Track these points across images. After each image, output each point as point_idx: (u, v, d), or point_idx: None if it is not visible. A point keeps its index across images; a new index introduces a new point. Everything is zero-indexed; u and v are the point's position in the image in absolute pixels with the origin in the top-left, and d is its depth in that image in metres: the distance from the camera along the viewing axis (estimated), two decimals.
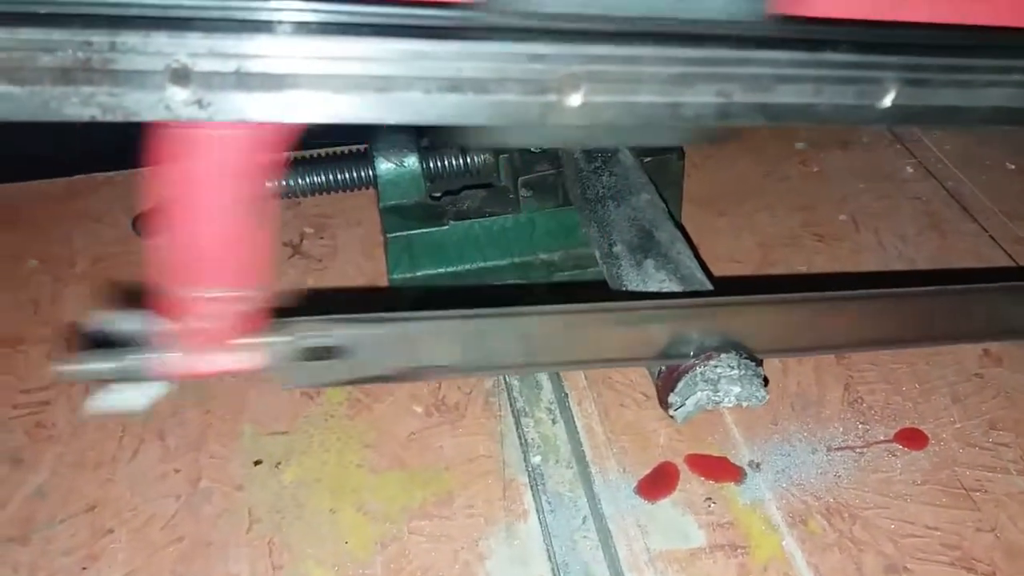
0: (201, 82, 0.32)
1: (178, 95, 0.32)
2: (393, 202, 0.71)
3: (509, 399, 0.65)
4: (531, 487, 0.58)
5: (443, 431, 0.62)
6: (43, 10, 0.30)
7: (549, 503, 0.57)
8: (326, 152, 0.78)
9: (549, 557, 0.54)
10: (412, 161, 0.71)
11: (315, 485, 0.58)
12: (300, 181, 0.75)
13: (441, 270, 0.71)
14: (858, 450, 0.60)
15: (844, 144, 0.93)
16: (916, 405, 0.63)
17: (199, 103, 0.32)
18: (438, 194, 0.74)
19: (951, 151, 0.92)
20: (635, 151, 0.70)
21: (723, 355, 0.53)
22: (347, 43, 0.33)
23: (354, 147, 0.77)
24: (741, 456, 0.60)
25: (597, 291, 0.64)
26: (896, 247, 0.79)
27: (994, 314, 0.61)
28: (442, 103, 0.34)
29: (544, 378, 0.66)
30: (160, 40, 0.31)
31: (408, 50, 0.33)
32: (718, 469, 0.59)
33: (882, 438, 0.61)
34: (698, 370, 0.53)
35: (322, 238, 0.81)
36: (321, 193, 0.77)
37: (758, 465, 0.59)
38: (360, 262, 0.78)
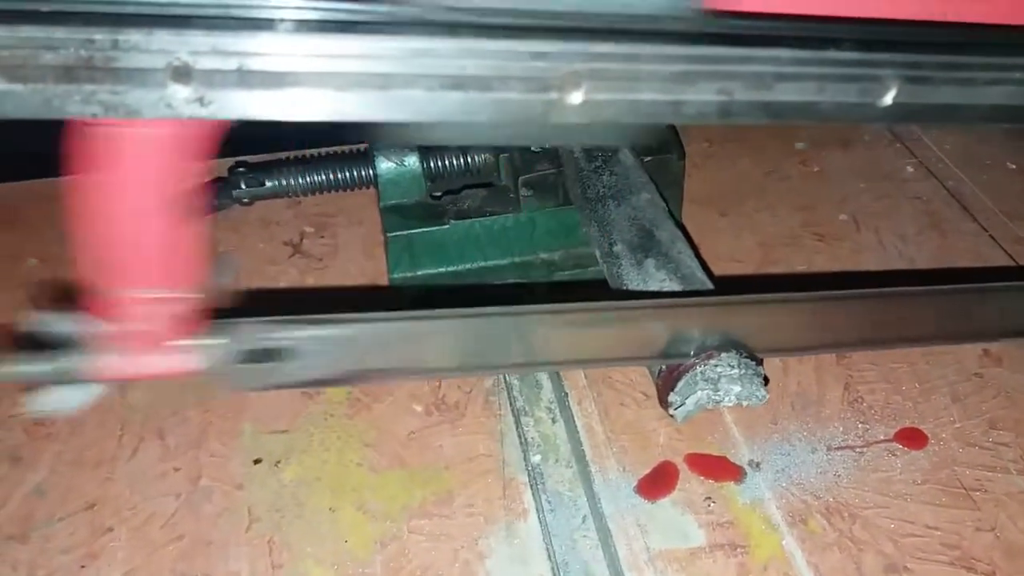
0: (203, 80, 0.32)
1: (180, 93, 0.32)
2: (394, 201, 0.71)
3: (509, 398, 0.65)
4: (531, 486, 0.58)
5: (443, 430, 0.62)
6: (45, 8, 0.30)
7: (549, 502, 0.57)
8: (326, 151, 0.78)
9: (549, 556, 0.54)
10: (412, 160, 0.71)
11: (315, 484, 0.58)
12: (300, 180, 0.76)
13: (442, 269, 0.71)
14: (858, 449, 0.60)
15: (844, 144, 0.93)
16: (916, 405, 0.63)
17: (200, 101, 0.32)
18: (439, 193, 0.74)
19: (951, 151, 0.92)
20: (635, 150, 0.70)
21: (723, 354, 0.54)
22: (348, 40, 0.33)
23: (354, 146, 0.78)
24: (741, 455, 0.60)
25: (597, 290, 0.64)
26: (896, 247, 0.79)
27: (994, 314, 0.61)
28: (444, 101, 0.34)
29: (544, 377, 0.66)
30: (162, 38, 0.31)
31: (410, 48, 0.33)
32: (718, 468, 0.59)
33: (882, 437, 0.61)
34: (698, 369, 0.53)
35: (323, 237, 0.81)
36: (322, 192, 0.77)
37: (758, 464, 0.59)
38: (361, 261, 0.78)
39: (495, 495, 0.58)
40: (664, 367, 0.56)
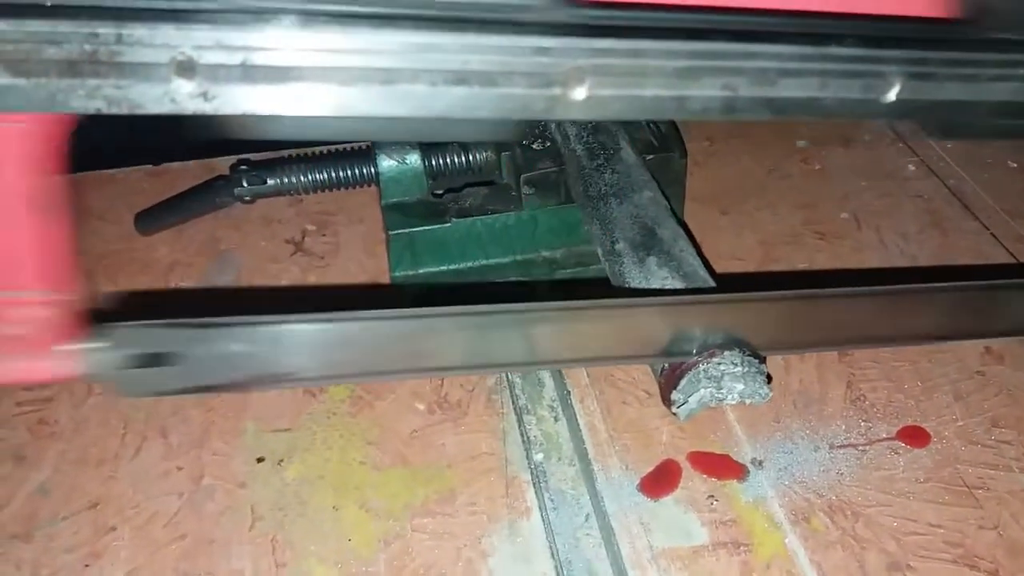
0: (206, 74, 0.32)
1: (183, 88, 0.32)
2: (395, 199, 0.71)
3: (511, 396, 0.65)
4: (534, 484, 0.58)
5: (445, 428, 0.62)
6: (49, 1, 0.30)
7: (552, 500, 0.57)
8: (328, 149, 0.78)
9: (552, 555, 0.54)
10: (414, 158, 0.71)
11: (318, 482, 0.58)
12: (302, 178, 0.76)
13: (443, 267, 0.71)
14: (860, 448, 0.60)
15: (846, 142, 0.93)
16: (918, 403, 0.63)
17: (204, 95, 0.32)
18: (440, 191, 0.74)
19: (953, 149, 0.92)
20: (637, 149, 0.70)
21: (726, 352, 0.53)
22: (353, 35, 0.33)
23: (356, 144, 0.78)
24: (744, 454, 0.60)
25: (599, 288, 0.64)
26: (898, 245, 0.79)
27: (995, 312, 0.61)
28: (448, 96, 0.34)
29: (546, 375, 0.66)
30: (166, 32, 0.31)
31: (414, 42, 0.33)
32: (720, 467, 0.59)
33: (884, 436, 0.61)
34: (701, 367, 0.53)
35: (324, 235, 0.81)
36: (323, 190, 0.77)
37: (761, 463, 0.59)
38: (362, 259, 0.78)
39: (498, 493, 0.58)
40: (667, 365, 0.56)
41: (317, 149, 0.79)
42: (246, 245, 0.79)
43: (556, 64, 0.34)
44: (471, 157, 0.73)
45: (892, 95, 0.38)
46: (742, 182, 0.87)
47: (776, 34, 0.36)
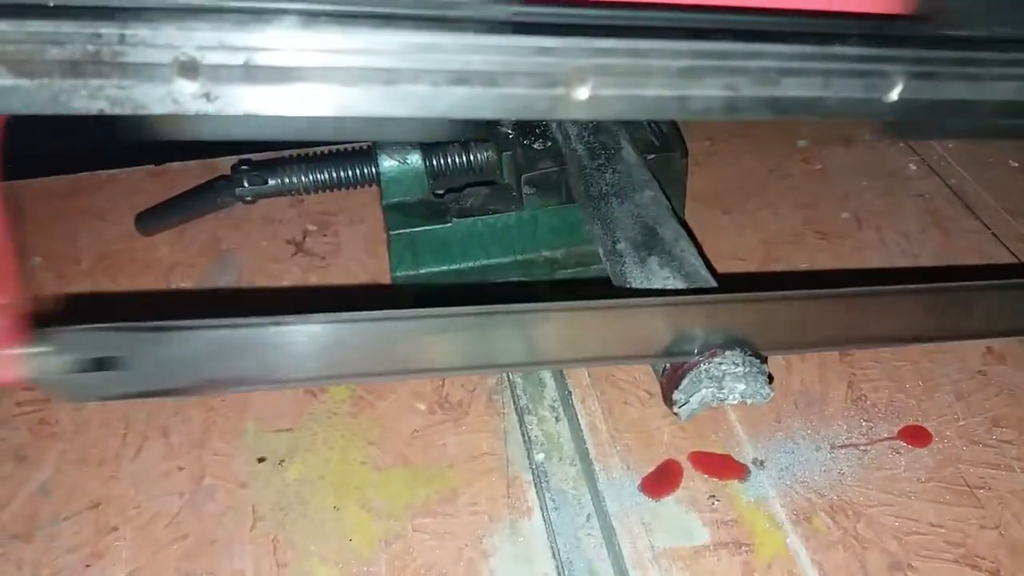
0: (209, 75, 0.32)
1: (186, 88, 0.32)
2: (396, 199, 0.71)
3: (512, 396, 0.65)
4: (535, 484, 0.58)
5: (446, 428, 0.62)
6: (52, 2, 0.30)
7: (553, 500, 0.57)
8: (329, 149, 0.78)
9: (553, 554, 0.54)
10: (415, 158, 0.71)
11: (319, 482, 0.58)
12: (303, 178, 0.76)
13: (444, 268, 0.71)
14: (862, 447, 0.60)
15: (847, 141, 0.93)
16: (920, 403, 0.63)
17: (207, 96, 0.32)
18: (441, 191, 0.74)
19: (954, 149, 0.92)
20: (638, 148, 0.70)
21: (728, 352, 0.53)
22: (355, 35, 0.33)
23: (357, 144, 0.78)
24: (745, 454, 0.60)
25: (600, 288, 0.64)
26: (899, 244, 0.79)
27: (997, 311, 0.61)
28: (450, 96, 0.34)
29: (547, 376, 0.66)
30: (169, 32, 0.31)
31: (416, 43, 0.33)
32: (722, 467, 0.59)
33: (886, 435, 0.61)
34: (702, 367, 0.53)
35: (325, 235, 0.81)
36: (324, 190, 0.77)
37: (762, 463, 0.59)
38: (363, 259, 0.78)
39: (499, 493, 0.58)
40: (668, 365, 0.56)
41: (318, 149, 0.79)
42: (247, 245, 0.79)
43: (559, 64, 0.34)
44: (472, 157, 0.73)
45: (895, 95, 0.38)
46: (743, 182, 0.87)
47: (778, 33, 0.36)
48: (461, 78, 0.34)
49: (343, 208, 0.83)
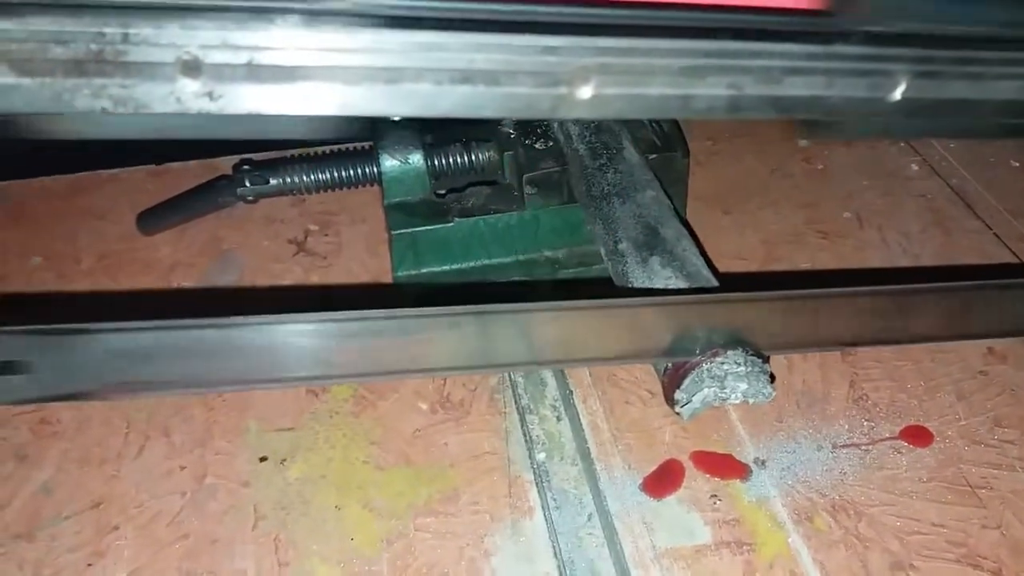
0: (212, 74, 0.32)
1: (189, 87, 0.32)
2: (398, 199, 0.71)
3: (514, 396, 0.64)
4: (536, 484, 0.58)
5: (448, 428, 0.62)
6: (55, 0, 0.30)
7: (554, 500, 0.57)
8: (330, 149, 0.78)
9: (555, 554, 0.54)
10: (417, 158, 0.71)
11: (320, 482, 0.58)
12: (305, 178, 0.76)
13: (446, 267, 0.71)
14: (863, 447, 0.60)
15: (848, 141, 0.93)
16: (921, 402, 0.63)
17: (210, 95, 0.32)
18: (443, 191, 0.74)
19: (956, 149, 0.92)
20: (640, 148, 0.70)
21: (729, 352, 0.54)
22: (358, 34, 0.33)
23: (358, 144, 0.78)
24: (746, 453, 0.60)
25: (602, 288, 0.64)
26: (900, 244, 0.79)
27: (998, 311, 0.61)
28: (453, 95, 0.34)
29: (548, 375, 0.66)
30: (172, 31, 0.31)
31: (419, 41, 0.33)
32: (723, 466, 0.59)
33: (887, 435, 0.61)
34: (704, 367, 0.53)
35: (326, 235, 0.81)
36: (326, 190, 0.77)
37: (763, 462, 0.59)
38: (364, 259, 0.78)
39: (500, 493, 0.58)
40: (670, 365, 0.56)
41: (319, 149, 0.79)
42: (248, 245, 0.79)
43: (562, 63, 0.34)
44: (473, 157, 0.73)
45: (898, 94, 0.38)
46: (744, 181, 0.87)
47: (782, 32, 0.36)
48: (464, 77, 0.34)
49: (345, 208, 0.83)
